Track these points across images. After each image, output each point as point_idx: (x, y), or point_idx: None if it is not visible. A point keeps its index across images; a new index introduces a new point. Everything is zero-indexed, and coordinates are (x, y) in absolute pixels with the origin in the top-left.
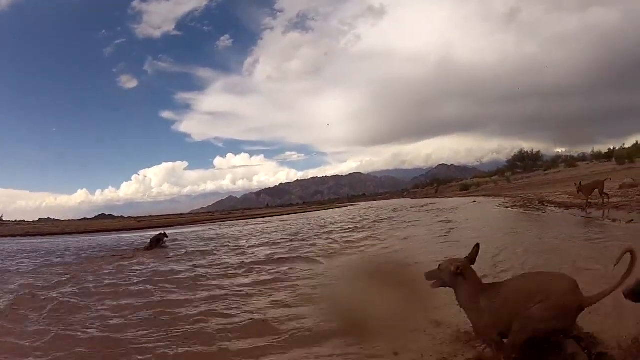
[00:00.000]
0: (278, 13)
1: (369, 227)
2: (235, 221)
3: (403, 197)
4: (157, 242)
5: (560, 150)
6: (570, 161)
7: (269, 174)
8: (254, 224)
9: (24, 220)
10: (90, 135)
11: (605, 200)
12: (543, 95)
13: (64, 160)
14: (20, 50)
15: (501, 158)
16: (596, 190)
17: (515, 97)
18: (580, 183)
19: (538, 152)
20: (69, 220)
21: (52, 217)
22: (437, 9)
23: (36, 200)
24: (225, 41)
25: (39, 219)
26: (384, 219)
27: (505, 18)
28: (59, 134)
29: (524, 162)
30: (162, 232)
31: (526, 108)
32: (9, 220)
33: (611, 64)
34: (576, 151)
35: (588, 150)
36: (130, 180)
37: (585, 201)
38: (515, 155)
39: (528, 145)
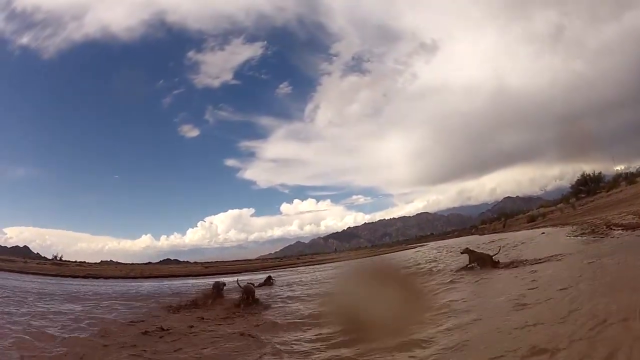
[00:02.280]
0: (334, 57)
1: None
2: (303, 267)
3: (471, 234)
4: (218, 290)
5: (619, 167)
6: (630, 178)
7: (336, 218)
8: (322, 270)
9: (85, 262)
10: (154, 183)
11: None
12: (596, 112)
13: (128, 206)
14: (75, 99)
15: (564, 184)
16: None
17: (569, 118)
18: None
19: (600, 173)
20: (132, 263)
21: (114, 260)
22: (484, 37)
23: (98, 243)
24: (284, 88)
25: (101, 261)
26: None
27: (550, 37)
28: (121, 181)
29: (587, 186)
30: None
31: (582, 128)
32: (69, 261)
33: None
34: (634, 166)
35: None
36: (196, 226)
37: None
38: (578, 179)
39: (589, 167)
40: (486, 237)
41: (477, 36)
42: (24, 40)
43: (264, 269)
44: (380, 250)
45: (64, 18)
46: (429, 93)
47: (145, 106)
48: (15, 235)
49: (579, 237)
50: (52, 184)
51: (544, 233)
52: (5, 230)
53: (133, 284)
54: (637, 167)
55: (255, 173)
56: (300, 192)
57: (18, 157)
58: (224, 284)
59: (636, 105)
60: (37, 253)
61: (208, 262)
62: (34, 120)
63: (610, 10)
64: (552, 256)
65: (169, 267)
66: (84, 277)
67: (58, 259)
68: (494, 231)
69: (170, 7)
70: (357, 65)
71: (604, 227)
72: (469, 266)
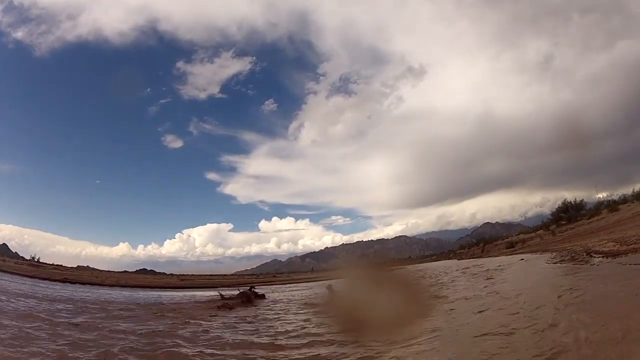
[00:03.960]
0: (321, 77)
1: None
2: (279, 285)
3: (449, 259)
4: None
5: (601, 195)
6: (612, 206)
7: (314, 237)
8: (298, 289)
9: (62, 265)
10: (134, 191)
11: None
12: (579, 142)
13: (107, 213)
14: (64, 98)
15: (545, 211)
16: None
17: (554, 146)
18: None
19: (581, 200)
20: (108, 271)
21: (91, 266)
22: (473, 64)
23: (76, 247)
24: (269, 105)
25: (78, 265)
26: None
27: (540, 67)
28: (103, 187)
29: (568, 213)
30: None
31: (565, 156)
32: (46, 263)
33: None
34: (617, 193)
35: (629, 190)
36: (174, 238)
37: None
38: (558, 206)
39: (570, 195)
40: (464, 262)
41: (467, 63)
42: (19, 34)
43: (239, 285)
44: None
45: (59, 16)
46: (414, 117)
47: (132, 113)
48: None
49: (558, 264)
50: (36, 182)
51: (522, 259)
52: None
53: (111, 292)
54: (620, 195)
55: (236, 188)
56: (280, 210)
57: (3, 152)
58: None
59: (621, 135)
60: (16, 252)
61: (184, 275)
62: (21, 117)
63: (602, 40)
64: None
65: (144, 277)
66: (62, 281)
67: (36, 260)
68: (472, 256)
69: (163, 16)
70: (343, 86)
71: (584, 254)
72: None
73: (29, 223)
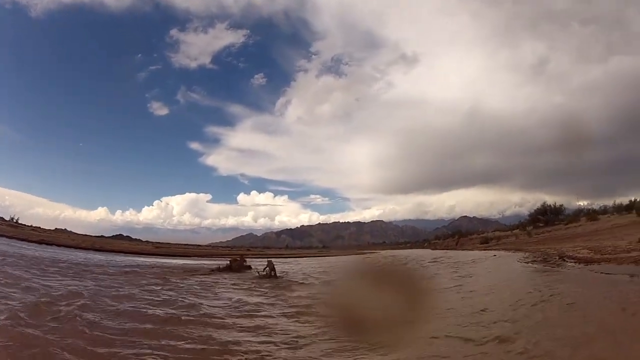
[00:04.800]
0: (313, 56)
1: None
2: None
3: (423, 247)
4: None
5: (581, 203)
6: (591, 214)
7: (291, 214)
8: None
9: (40, 227)
10: (117, 156)
11: None
12: (567, 147)
13: (88, 176)
14: (54, 59)
15: (523, 211)
16: None
17: (540, 149)
18: None
19: (561, 205)
20: (85, 234)
21: (68, 229)
22: (468, 59)
23: (54, 209)
24: (259, 79)
25: (56, 228)
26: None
27: (534, 69)
28: (85, 150)
29: (546, 216)
30: None
31: (550, 160)
32: (24, 224)
33: (633, 112)
34: (597, 203)
35: (610, 202)
36: (152, 205)
37: None
38: (537, 208)
39: (551, 199)
40: (438, 253)
41: (461, 57)
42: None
43: (213, 256)
44: (332, 252)
45: None
46: (403, 104)
47: (120, 78)
48: None
49: (529, 264)
50: (18, 143)
51: (495, 255)
52: None
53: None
54: (601, 205)
55: (218, 160)
56: (260, 185)
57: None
58: None
59: (608, 146)
60: None
61: (159, 243)
62: (8, 77)
63: (599, 52)
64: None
65: (120, 243)
66: (38, 242)
67: (15, 221)
68: (447, 248)
69: None
70: (334, 67)
71: (557, 257)
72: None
73: (9, 184)
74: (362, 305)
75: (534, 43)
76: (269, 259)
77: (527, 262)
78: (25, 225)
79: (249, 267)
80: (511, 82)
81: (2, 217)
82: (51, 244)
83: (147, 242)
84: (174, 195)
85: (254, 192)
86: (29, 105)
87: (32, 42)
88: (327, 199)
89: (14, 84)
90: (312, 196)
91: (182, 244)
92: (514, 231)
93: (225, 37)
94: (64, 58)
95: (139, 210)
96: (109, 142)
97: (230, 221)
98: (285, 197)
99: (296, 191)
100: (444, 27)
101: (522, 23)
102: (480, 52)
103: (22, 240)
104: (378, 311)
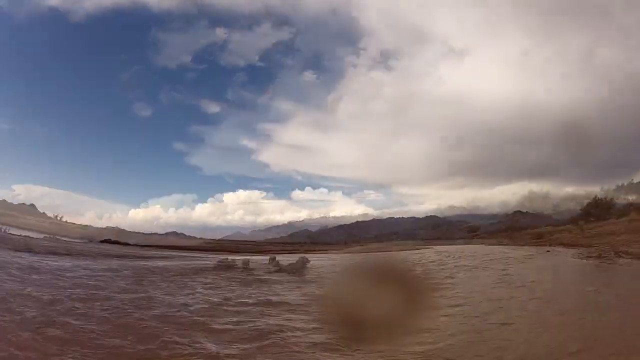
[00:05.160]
0: (362, 51)
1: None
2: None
3: (477, 243)
4: None
5: (631, 197)
6: None
7: (346, 210)
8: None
9: (89, 225)
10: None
11: None
12: (617, 140)
13: (142, 177)
14: (108, 61)
15: (575, 206)
16: None
17: (589, 142)
18: None
19: (611, 199)
20: (137, 232)
21: (120, 227)
22: (515, 50)
23: (107, 209)
24: (309, 76)
25: (107, 227)
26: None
27: (580, 61)
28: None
29: (597, 210)
30: None
31: (600, 154)
32: (69, 222)
33: None
34: None
35: None
36: (206, 202)
37: None
38: (588, 203)
39: (601, 193)
40: (489, 248)
41: (508, 48)
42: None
43: (266, 252)
44: (382, 248)
45: None
46: (453, 98)
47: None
48: (24, 192)
49: (584, 260)
50: (67, 144)
51: (548, 251)
52: (14, 186)
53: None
54: None
55: (270, 156)
56: (314, 181)
57: (36, 116)
58: None
59: None
60: (43, 212)
61: (211, 240)
62: (54, 81)
63: None
64: None
65: (170, 239)
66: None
67: (58, 218)
68: (500, 243)
69: None
70: (384, 62)
71: (612, 253)
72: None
73: (60, 184)
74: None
75: (579, 33)
76: (301, 256)
77: (582, 258)
78: (69, 222)
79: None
80: (557, 74)
81: (44, 213)
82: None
83: (200, 238)
84: (228, 192)
85: (308, 188)
86: (80, 107)
87: (73, 46)
88: (381, 194)
89: (58, 89)
90: (366, 192)
91: (237, 240)
92: (566, 226)
93: (269, 36)
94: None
95: (193, 208)
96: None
97: (286, 217)
98: (340, 192)
99: (351, 187)
100: (489, 19)
101: (566, 13)
102: (526, 44)
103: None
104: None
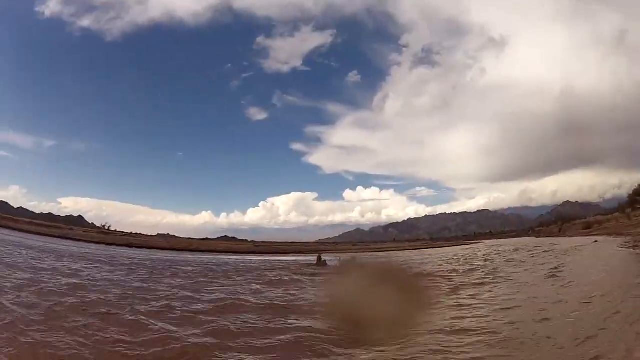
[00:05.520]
0: (403, 48)
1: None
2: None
3: (528, 236)
4: None
5: None
6: None
7: (397, 208)
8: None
9: (141, 233)
10: (217, 162)
11: None
12: None
13: (188, 184)
14: (143, 78)
15: (622, 193)
16: None
17: (632, 127)
18: None
19: None
20: (188, 238)
21: (171, 234)
22: (551, 37)
23: (156, 216)
24: (353, 77)
25: (158, 233)
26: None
27: (614, 41)
28: (185, 159)
29: None
30: None
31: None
32: (117, 231)
33: None
34: None
35: None
36: (258, 206)
37: None
38: (635, 189)
39: None
40: (540, 241)
41: (544, 34)
42: (85, 22)
43: (313, 252)
44: (438, 243)
45: (127, 2)
46: (497, 89)
47: (213, 88)
48: (71, 205)
49: (631, 249)
50: (113, 158)
51: (596, 241)
52: (60, 200)
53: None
54: None
55: (321, 158)
56: (365, 180)
57: (78, 131)
58: None
59: None
60: (92, 223)
61: (262, 242)
62: (97, 98)
63: None
64: None
65: (218, 243)
66: (127, 245)
67: (106, 228)
68: (550, 235)
69: None
70: (426, 57)
71: None
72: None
73: (107, 196)
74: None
75: (610, 14)
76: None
77: (629, 247)
78: (117, 231)
79: (325, 262)
80: (595, 57)
81: (92, 224)
82: (140, 247)
83: (251, 241)
84: (280, 195)
85: (359, 188)
86: (122, 123)
87: (113, 64)
88: (432, 190)
89: (101, 106)
90: (418, 189)
91: (288, 242)
92: (614, 215)
93: (312, 39)
94: (151, 76)
95: (244, 212)
96: (209, 150)
97: (338, 218)
98: (391, 190)
99: (401, 184)
100: (522, 5)
101: None
102: (561, 29)
103: (110, 244)
104: None
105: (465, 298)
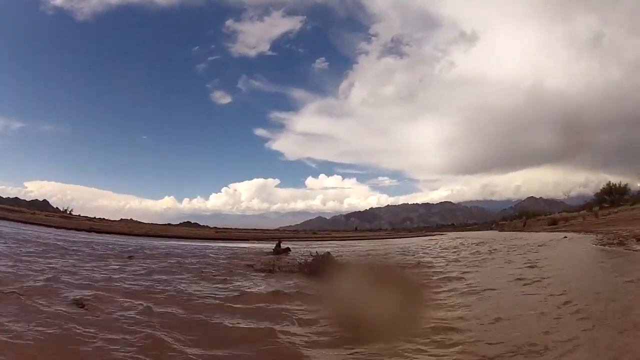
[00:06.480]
0: (372, 38)
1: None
2: (316, 241)
3: (491, 229)
4: None
5: None
6: None
7: (360, 197)
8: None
9: (104, 218)
10: (182, 146)
11: None
12: (629, 124)
13: (153, 168)
14: (112, 57)
15: (588, 192)
16: None
17: (602, 126)
18: None
19: (626, 185)
20: (151, 223)
21: (134, 219)
22: (525, 35)
23: (119, 201)
24: (320, 64)
25: (121, 218)
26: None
27: (589, 43)
28: (149, 142)
29: (611, 196)
30: None
31: (612, 138)
32: (79, 215)
33: None
34: None
35: None
36: (220, 192)
37: None
38: (602, 188)
39: (615, 179)
40: (505, 234)
41: (517, 32)
42: (58, 1)
43: (272, 239)
44: (399, 234)
45: None
46: (465, 83)
47: (179, 70)
48: (36, 189)
49: (606, 247)
50: (78, 141)
51: (566, 237)
52: (26, 184)
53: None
54: None
55: (284, 145)
56: (327, 168)
57: (46, 113)
58: None
59: None
60: (56, 207)
61: (224, 228)
62: (64, 79)
63: None
64: None
65: (178, 229)
66: (87, 230)
67: (68, 212)
68: (514, 229)
69: None
70: (395, 48)
71: (633, 239)
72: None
73: (72, 179)
74: None
75: (587, 16)
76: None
77: (603, 245)
78: (79, 216)
79: (287, 250)
80: (568, 57)
81: (57, 208)
82: (101, 232)
83: (212, 227)
84: (242, 181)
85: (322, 176)
86: (89, 104)
87: (82, 45)
88: (395, 180)
89: (68, 86)
90: (381, 178)
91: (248, 229)
92: (580, 212)
93: (282, 24)
94: (118, 57)
95: (207, 198)
96: (173, 133)
97: (299, 205)
98: (354, 179)
99: (364, 174)
100: (498, 3)
101: None
102: (535, 27)
103: (70, 229)
104: None
105: None
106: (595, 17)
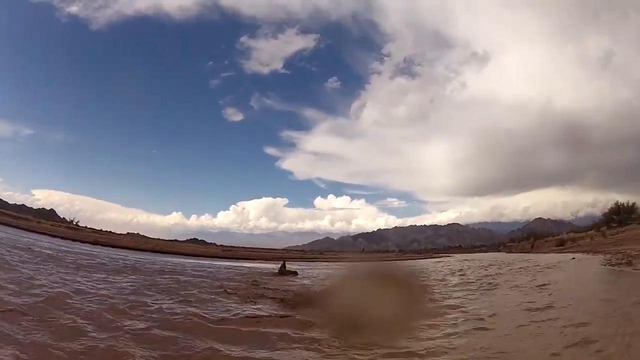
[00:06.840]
0: (385, 58)
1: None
2: (323, 262)
3: (499, 251)
4: None
5: None
6: None
7: (368, 218)
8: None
9: (110, 231)
10: (191, 162)
11: None
12: (639, 143)
13: (162, 182)
14: (124, 69)
15: (596, 212)
16: None
17: (611, 146)
18: None
19: (634, 204)
20: (157, 238)
21: (141, 233)
22: (536, 55)
23: (127, 214)
24: (333, 83)
25: (128, 232)
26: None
27: (599, 62)
28: (159, 157)
29: (619, 216)
30: None
31: (621, 158)
32: (86, 227)
33: None
34: None
35: None
36: (228, 210)
37: None
38: (611, 208)
39: (622, 198)
40: (512, 257)
41: (528, 52)
42: (73, 9)
43: (279, 259)
44: (406, 255)
45: None
46: (476, 104)
47: (192, 85)
48: (44, 197)
49: (615, 267)
50: (88, 152)
51: (574, 258)
52: (34, 191)
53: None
54: None
55: (294, 164)
56: (337, 189)
57: (56, 121)
58: None
59: None
60: (63, 217)
61: (230, 246)
62: (75, 88)
63: None
64: None
65: (186, 245)
66: (92, 243)
67: (74, 223)
68: (522, 251)
69: None
70: (407, 68)
71: None
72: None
73: (80, 190)
74: None
75: (598, 35)
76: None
77: (612, 265)
78: (86, 227)
79: (295, 273)
80: (579, 78)
81: (64, 219)
82: (106, 245)
83: (219, 245)
84: (251, 199)
85: (330, 196)
86: (100, 114)
87: (96, 54)
88: (403, 202)
89: (79, 96)
90: (389, 199)
91: (255, 248)
92: (588, 232)
93: (295, 42)
94: (133, 68)
95: (215, 215)
96: (183, 148)
97: (308, 225)
98: (362, 200)
99: (373, 194)
100: (509, 22)
101: (584, 15)
102: (546, 48)
103: (76, 240)
104: None
105: None
106: (605, 37)
